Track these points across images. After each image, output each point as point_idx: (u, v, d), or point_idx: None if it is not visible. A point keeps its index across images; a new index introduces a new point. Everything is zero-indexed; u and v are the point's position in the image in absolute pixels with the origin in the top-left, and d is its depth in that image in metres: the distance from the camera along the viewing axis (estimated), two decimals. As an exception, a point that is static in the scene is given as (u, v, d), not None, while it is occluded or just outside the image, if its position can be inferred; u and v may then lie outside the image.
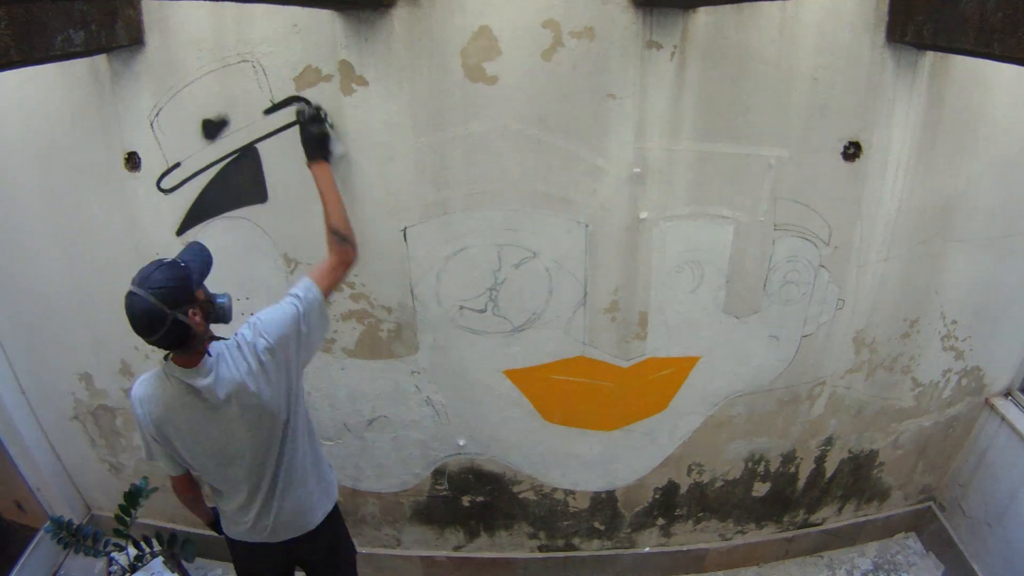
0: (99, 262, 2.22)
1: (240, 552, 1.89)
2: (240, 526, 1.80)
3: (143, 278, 1.43)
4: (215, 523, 1.93)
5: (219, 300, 1.58)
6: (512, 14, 1.71)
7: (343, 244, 1.71)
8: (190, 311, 1.45)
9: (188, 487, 1.80)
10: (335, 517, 1.94)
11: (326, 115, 1.81)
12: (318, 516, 1.85)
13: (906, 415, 2.62)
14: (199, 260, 1.57)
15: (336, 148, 1.83)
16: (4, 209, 2.21)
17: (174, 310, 1.41)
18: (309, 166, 1.77)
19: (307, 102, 1.81)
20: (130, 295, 1.43)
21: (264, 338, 1.57)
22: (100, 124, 1.97)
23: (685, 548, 2.83)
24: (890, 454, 2.72)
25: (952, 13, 1.48)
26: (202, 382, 1.52)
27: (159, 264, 1.45)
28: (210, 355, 1.54)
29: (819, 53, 1.80)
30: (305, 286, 1.65)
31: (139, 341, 2.34)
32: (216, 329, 1.61)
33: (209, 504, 1.92)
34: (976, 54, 1.41)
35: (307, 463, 1.77)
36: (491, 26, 1.72)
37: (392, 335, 2.20)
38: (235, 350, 1.57)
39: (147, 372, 1.61)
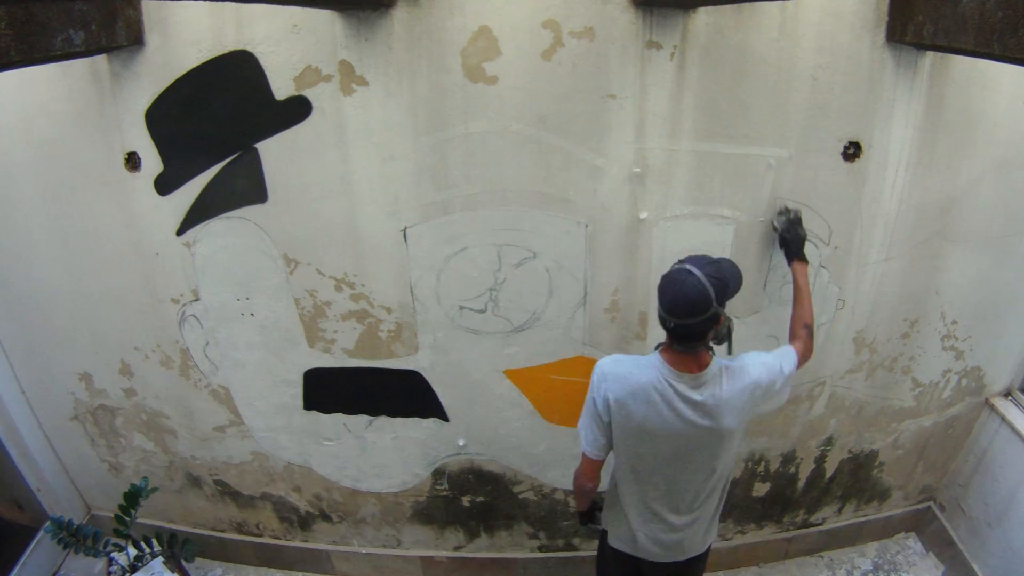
0: (99, 262, 2.23)
1: (618, 559, 1.93)
2: (633, 534, 1.83)
3: (698, 262, 1.50)
4: (585, 514, 1.97)
5: (730, 325, 1.62)
6: (512, 14, 1.71)
7: (810, 339, 1.77)
8: (721, 314, 1.51)
9: (595, 474, 1.81)
10: (704, 558, 1.95)
11: (801, 218, 1.95)
12: (698, 548, 1.87)
13: (906, 415, 2.62)
14: (736, 278, 1.60)
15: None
16: (4, 209, 2.21)
17: (717, 304, 1.48)
18: (791, 263, 1.90)
19: (787, 209, 1.95)
20: (684, 272, 1.49)
21: (760, 377, 1.60)
22: (100, 124, 1.97)
23: (685, 548, 2.83)
24: (890, 454, 2.72)
25: (952, 13, 1.47)
26: (696, 394, 1.56)
27: (709, 258, 1.53)
28: (714, 366, 1.57)
29: (819, 53, 1.80)
30: (792, 360, 1.69)
31: (138, 341, 2.38)
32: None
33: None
34: (976, 54, 1.41)
35: (717, 498, 1.80)
36: (491, 26, 1.72)
37: (392, 335, 2.20)
38: (734, 373, 1.59)
39: (623, 355, 1.67)
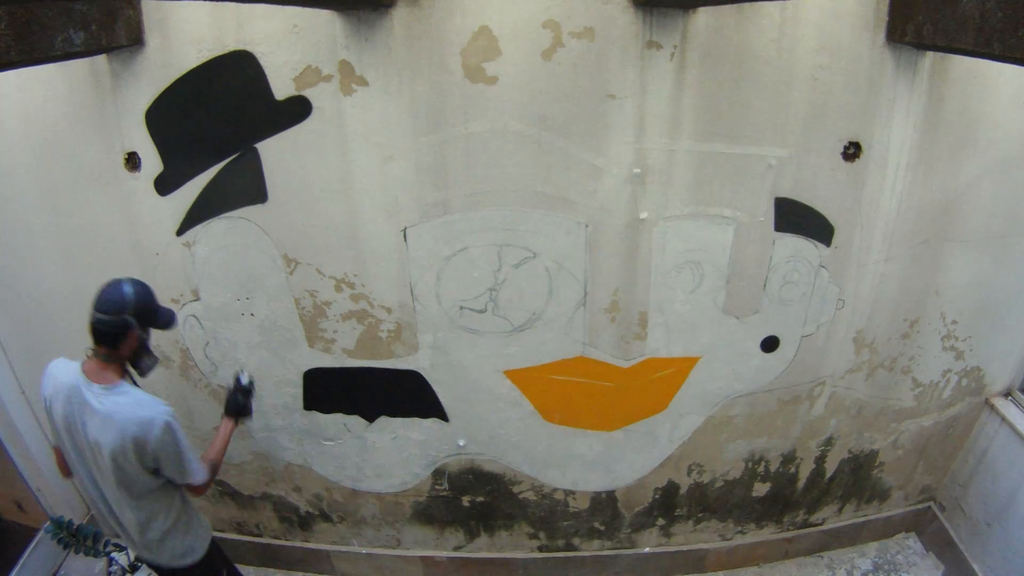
0: (99, 262, 2.22)
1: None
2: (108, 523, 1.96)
3: (132, 280, 1.73)
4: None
5: (147, 360, 1.82)
6: (512, 14, 1.71)
7: (211, 473, 1.91)
8: (135, 330, 1.70)
9: (61, 458, 1.90)
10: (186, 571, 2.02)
11: (251, 391, 2.12)
12: (153, 555, 1.95)
13: (906, 415, 2.62)
14: (170, 317, 1.84)
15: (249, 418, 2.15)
16: (4, 209, 2.20)
17: (131, 315, 1.68)
18: (223, 416, 2.07)
19: (239, 376, 2.11)
20: (116, 280, 1.71)
21: (146, 444, 1.70)
22: (100, 124, 1.97)
23: (685, 548, 2.83)
24: (890, 454, 2.72)
25: (952, 13, 1.48)
26: (96, 403, 1.68)
27: (149, 288, 1.76)
28: (119, 388, 1.71)
29: (819, 53, 1.80)
30: (201, 472, 1.85)
31: (139, 341, 2.36)
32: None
33: None
34: (976, 54, 1.41)
35: (132, 515, 1.86)
36: (491, 26, 1.72)
37: (392, 335, 2.20)
38: (139, 402, 1.72)
39: (67, 359, 1.78)
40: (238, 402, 2.08)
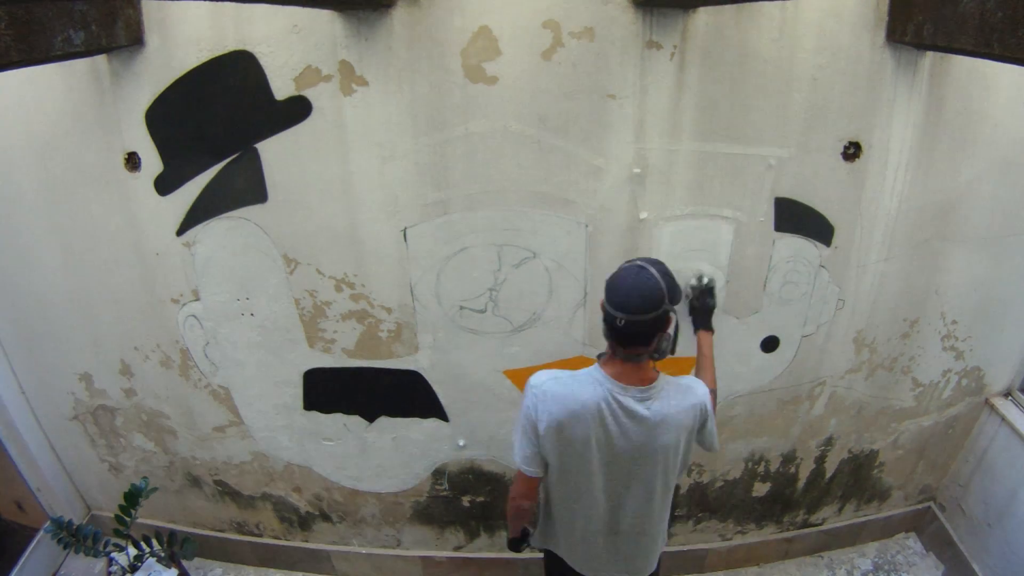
0: (99, 262, 2.23)
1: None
2: (577, 552, 1.78)
3: (650, 261, 1.46)
4: (517, 539, 1.90)
5: (673, 340, 1.60)
6: (512, 14, 1.71)
7: (714, 403, 1.70)
8: (671, 314, 1.46)
9: (534, 493, 1.71)
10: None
11: (714, 288, 1.96)
12: (647, 567, 1.81)
13: (906, 415, 2.62)
14: (680, 287, 1.54)
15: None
16: (4, 209, 2.21)
17: (669, 303, 1.43)
18: (696, 331, 1.92)
19: (702, 276, 1.95)
20: (637, 268, 1.45)
21: (704, 398, 1.58)
22: (100, 124, 1.97)
23: (685, 548, 2.83)
24: (890, 454, 2.72)
25: (952, 13, 1.47)
26: (642, 408, 1.49)
27: (663, 264, 1.48)
28: (662, 382, 1.52)
29: (819, 53, 1.80)
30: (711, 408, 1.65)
31: (138, 341, 2.37)
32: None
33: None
34: (976, 54, 1.41)
35: (658, 516, 1.72)
36: (491, 26, 1.72)
37: (392, 335, 2.20)
38: (682, 389, 1.55)
39: (559, 371, 1.57)
40: (708, 305, 1.89)
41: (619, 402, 1.49)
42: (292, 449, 2.53)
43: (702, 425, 1.62)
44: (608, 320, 1.47)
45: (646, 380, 1.51)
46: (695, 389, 1.57)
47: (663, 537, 1.81)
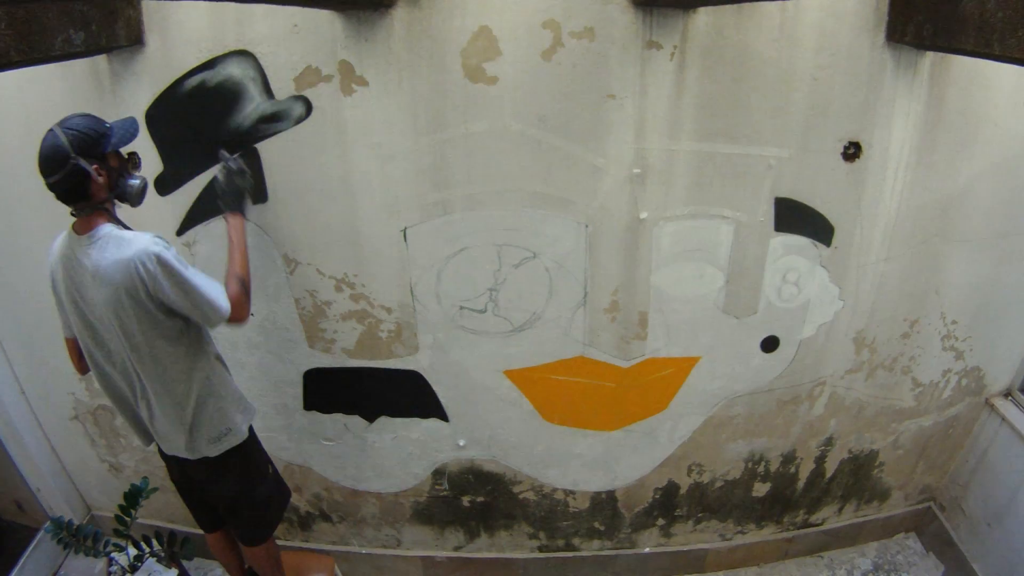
0: (99, 262, 2.22)
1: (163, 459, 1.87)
2: (132, 423, 1.77)
3: (64, 119, 1.47)
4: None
5: (131, 179, 1.58)
6: (512, 14, 1.71)
7: (243, 293, 1.69)
8: (95, 165, 1.47)
9: (75, 351, 1.73)
10: (225, 464, 1.79)
11: (247, 171, 1.88)
12: (183, 449, 1.73)
13: (906, 415, 2.62)
14: (124, 128, 1.57)
15: (249, 205, 1.92)
16: (4, 209, 2.20)
17: (78, 156, 1.44)
18: (225, 216, 1.85)
19: (229, 155, 1.86)
20: (48, 130, 1.45)
21: (141, 287, 1.49)
22: (100, 124, 1.97)
23: (685, 548, 2.83)
24: (890, 454, 2.72)
25: (952, 13, 1.48)
26: (84, 257, 1.50)
27: (87, 114, 1.49)
28: (99, 233, 1.51)
29: (819, 53, 1.80)
30: (223, 297, 1.61)
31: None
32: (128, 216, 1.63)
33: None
34: (976, 54, 1.41)
35: (165, 399, 1.66)
36: (491, 26, 1.72)
37: (392, 335, 2.20)
38: (120, 242, 1.50)
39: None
40: (237, 187, 1.82)
41: (74, 252, 1.52)
42: (292, 449, 2.53)
43: (156, 291, 1.50)
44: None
45: (87, 229, 1.52)
46: (133, 244, 1.49)
47: (198, 435, 1.70)
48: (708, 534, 2.83)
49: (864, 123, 1.91)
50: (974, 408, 2.69)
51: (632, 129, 1.86)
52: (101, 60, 1.87)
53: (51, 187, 1.46)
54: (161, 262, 1.48)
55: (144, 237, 1.51)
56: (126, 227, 1.59)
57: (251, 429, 1.86)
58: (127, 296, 1.49)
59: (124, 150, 1.99)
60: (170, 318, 1.57)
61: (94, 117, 1.51)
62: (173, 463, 1.86)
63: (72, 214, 1.54)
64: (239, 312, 1.66)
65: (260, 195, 2.00)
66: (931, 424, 2.68)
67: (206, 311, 1.58)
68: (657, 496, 2.64)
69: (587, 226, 2.00)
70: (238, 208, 1.85)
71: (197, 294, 1.55)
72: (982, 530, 2.67)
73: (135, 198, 1.60)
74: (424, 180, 1.93)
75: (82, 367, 1.76)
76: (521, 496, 2.61)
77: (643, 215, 1.99)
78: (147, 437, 1.81)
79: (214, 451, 1.76)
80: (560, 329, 2.17)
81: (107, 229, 1.53)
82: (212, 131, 1.93)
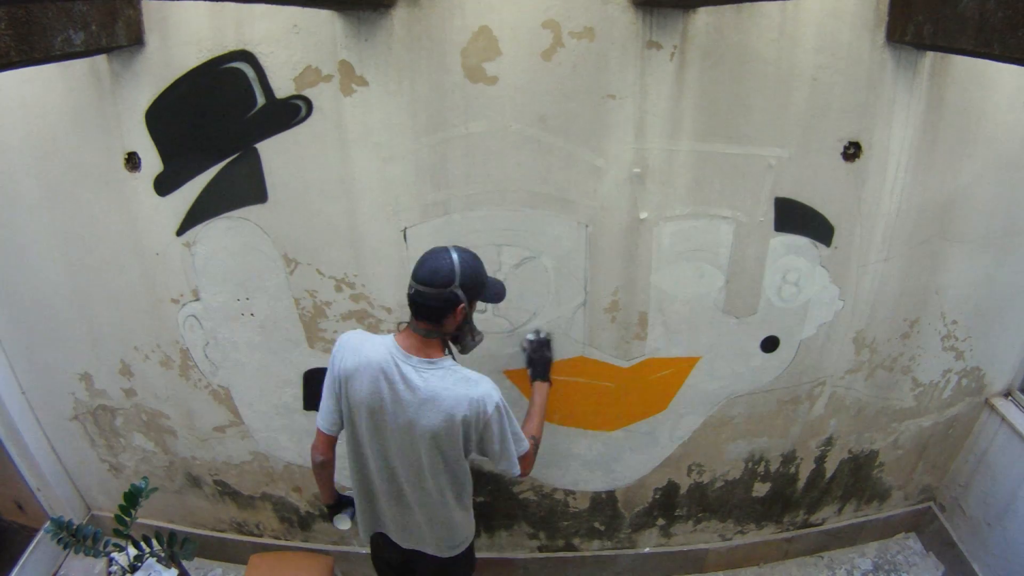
0: (99, 262, 2.22)
1: (373, 541, 1.96)
2: (365, 511, 1.86)
3: (459, 248, 1.57)
4: (333, 506, 1.96)
5: (472, 338, 1.69)
6: (512, 14, 1.71)
7: (534, 452, 1.78)
8: (462, 304, 1.54)
9: (326, 448, 1.80)
10: (456, 563, 1.92)
11: (550, 341, 2.07)
12: (433, 547, 1.86)
13: (906, 415, 2.62)
14: (498, 287, 1.71)
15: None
16: (4, 209, 2.21)
17: (459, 287, 1.52)
18: (532, 383, 1.99)
19: (538, 332, 2.09)
20: (442, 249, 1.56)
21: (487, 404, 1.60)
22: (100, 124, 1.97)
23: (685, 548, 2.83)
24: (890, 454, 2.72)
25: (952, 13, 1.48)
26: (416, 378, 1.56)
27: (477, 256, 1.61)
28: (441, 363, 1.59)
29: (819, 53, 1.80)
30: (520, 451, 1.71)
31: (138, 341, 2.37)
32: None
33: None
34: (976, 54, 1.41)
35: (436, 501, 1.77)
36: (491, 26, 1.72)
37: (392, 335, 2.20)
38: (463, 378, 1.60)
39: (364, 332, 1.68)
40: (545, 358, 2.00)
41: (399, 368, 1.57)
42: (292, 449, 2.53)
43: (482, 433, 1.63)
44: (408, 288, 1.57)
45: (430, 354, 1.59)
46: (480, 385, 1.59)
47: (453, 521, 1.82)
48: (708, 534, 2.83)
49: (864, 123, 1.91)
50: (974, 408, 2.69)
51: (632, 129, 1.86)
52: (101, 60, 1.87)
53: (417, 295, 1.54)
54: (499, 410, 1.61)
55: (488, 382, 1.62)
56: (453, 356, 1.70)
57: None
58: (462, 428, 1.59)
59: (124, 150, 2.01)
60: (470, 448, 1.69)
61: (480, 261, 1.62)
62: (395, 552, 1.92)
63: (404, 327, 1.62)
64: (526, 470, 1.75)
65: (260, 195, 2.00)
66: (931, 424, 2.68)
67: (505, 466, 1.70)
68: (657, 496, 2.64)
69: (587, 226, 2.00)
70: (545, 376, 2.00)
71: (509, 447, 1.68)
72: (982, 530, 2.67)
73: (468, 349, 1.72)
74: (424, 180, 1.93)
75: (327, 460, 1.82)
76: (521, 496, 2.61)
77: (643, 215, 1.99)
78: (373, 526, 1.90)
79: (454, 552, 1.89)
80: (560, 329, 2.17)
81: (450, 362, 1.63)
82: (212, 131, 1.93)
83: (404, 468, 1.69)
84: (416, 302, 1.55)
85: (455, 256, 1.54)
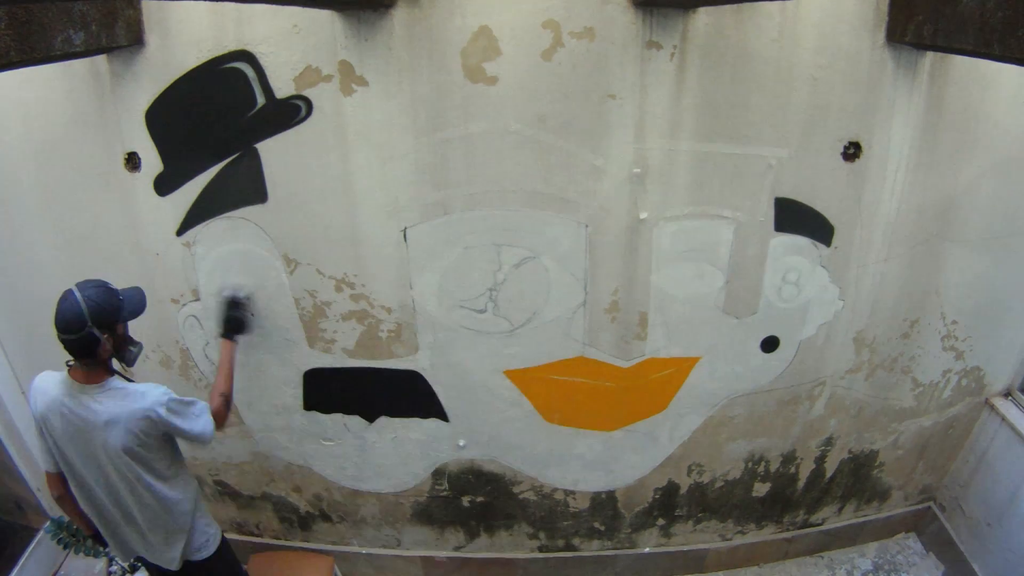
0: (99, 262, 2.22)
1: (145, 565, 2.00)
2: (116, 539, 1.93)
3: (84, 286, 1.64)
4: (97, 534, 2.00)
5: (132, 348, 1.79)
6: (512, 14, 1.71)
7: (224, 406, 1.91)
8: (105, 335, 1.64)
9: (58, 484, 1.89)
10: (208, 567, 2.02)
11: (248, 302, 2.12)
12: (174, 561, 1.94)
13: (906, 415, 2.62)
14: (135, 303, 1.77)
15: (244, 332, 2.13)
16: (4, 209, 2.20)
17: (93, 326, 1.61)
18: (220, 338, 2.06)
19: (234, 294, 2.11)
20: (68, 293, 1.63)
21: (155, 427, 1.74)
22: (100, 124, 1.97)
23: (685, 548, 2.83)
24: (890, 454, 2.72)
25: (952, 13, 1.48)
26: (91, 403, 1.67)
27: (104, 285, 1.67)
28: (109, 385, 1.71)
29: (819, 53, 1.80)
30: (206, 414, 1.84)
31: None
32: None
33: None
34: (976, 54, 1.41)
35: (158, 522, 1.87)
36: (491, 26, 1.72)
37: (392, 335, 2.20)
38: (129, 395, 1.71)
39: (50, 371, 1.76)
40: (233, 318, 2.07)
41: (76, 399, 1.68)
42: (292, 449, 2.53)
43: (165, 429, 1.75)
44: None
45: (93, 380, 1.69)
46: (147, 396, 1.71)
47: (177, 527, 1.90)
48: (708, 534, 2.83)
49: (864, 123, 1.91)
50: (974, 408, 2.69)
51: (632, 129, 1.86)
52: (101, 60, 1.87)
53: (63, 342, 1.62)
54: (168, 407, 1.73)
55: (154, 391, 1.73)
56: (127, 379, 1.80)
57: (222, 535, 2.09)
58: (142, 436, 1.72)
59: (124, 150, 2.00)
60: (165, 448, 1.82)
61: (109, 288, 1.68)
62: (155, 571, 2.00)
63: (71, 364, 1.70)
64: (220, 423, 1.89)
65: (260, 195, 2.00)
66: (931, 424, 2.68)
67: (199, 431, 1.81)
68: (657, 496, 2.64)
69: (587, 226, 2.00)
70: (231, 336, 2.06)
71: (193, 422, 1.79)
72: (982, 530, 2.67)
73: (132, 362, 1.80)
74: (424, 180, 1.93)
75: (63, 496, 1.91)
76: (521, 496, 2.61)
77: (643, 215, 1.99)
78: (127, 552, 1.95)
79: (201, 555, 2.00)
80: (560, 329, 2.17)
81: (116, 382, 1.73)
82: (212, 131, 1.93)
83: (123, 487, 1.78)
84: (67, 348, 1.63)
85: (78, 297, 1.61)
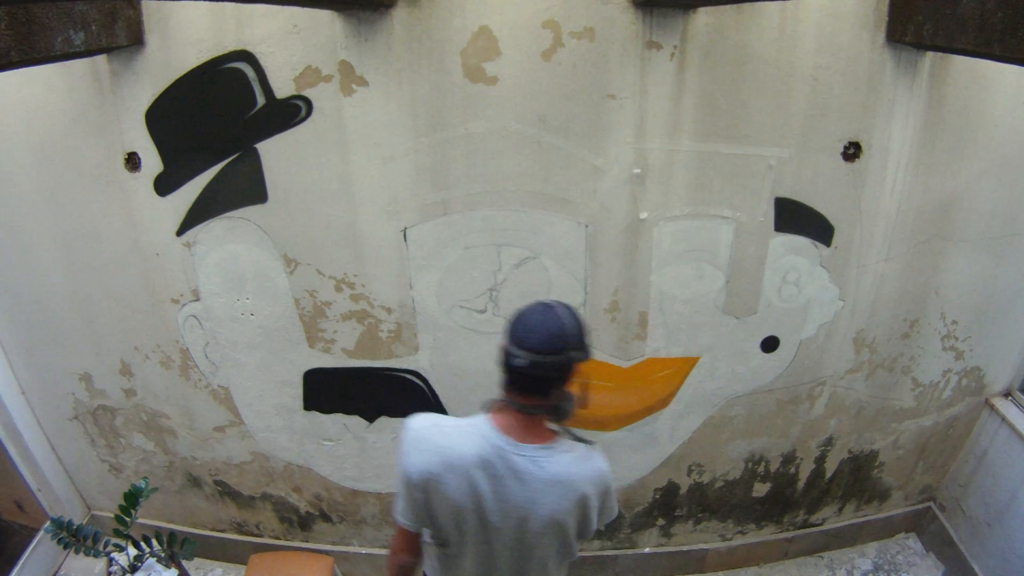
0: (99, 262, 2.22)
1: None
2: None
3: (560, 304, 1.29)
4: None
5: (570, 401, 1.36)
6: (512, 15, 1.71)
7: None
8: (578, 364, 1.27)
9: (413, 547, 1.46)
10: None
11: None
12: None
13: (906, 415, 2.62)
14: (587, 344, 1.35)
15: None
16: (4, 209, 2.21)
17: (576, 350, 1.25)
18: None
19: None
20: (545, 306, 1.28)
21: (593, 500, 1.36)
22: (100, 124, 1.97)
23: (685, 548, 2.83)
24: (890, 454, 2.72)
25: (952, 13, 1.48)
26: (533, 467, 1.27)
27: (573, 309, 1.31)
28: (561, 445, 1.32)
29: (819, 53, 1.80)
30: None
31: (138, 341, 2.37)
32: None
33: None
34: (976, 54, 1.41)
35: None
36: (491, 27, 1.72)
37: (392, 335, 2.20)
38: (586, 454, 1.36)
39: (442, 418, 1.40)
40: None
41: (507, 461, 1.27)
42: (292, 449, 2.53)
43: (602, 502, 1.39)
44: (507, 361, 1.26)
45: (544, 438, 1.31)
46: (594, 456, 1.38)
47: None
48: (708, 534, 2.83)
49: (864, 123, 1.91)
50: (974, 408, 2.69)
51: (632, 129, 1.86)
52: (101, 60, 1.87)
53: (534, 366, 1.21)
54: (612, 482, 1.40)
55: (595, 449, 1.39)
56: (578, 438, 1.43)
57: None
58: (578, 508, 1.33)
59: (125, 151, 2.00)
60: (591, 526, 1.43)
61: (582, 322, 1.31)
62: None
63: (501, 407, 1.31)
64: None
65: (260, 195, 2.00)
66: (931, 424, 2.68)
67: (606, 519, 1.46)
68: (657, 496, 2.64)
69: (587, 226, 2.00)
70: None
71: (613, 504, 1.46)
72: (982, 530, 2.67)
73: (567, 414, 1.36)
74: (424, 180, 1.93)
75: (414, 559, 1.49)
76: (521, 496, 2.60)
77: (643, 215, 1.99)
78: None
79: None
80: (560, 329, 2.17)
81: (567, 442, 1.35)
82: (212, 131, 1.93)
83: (513, 569, 1.41)
84: (529, 375, 1.23)
85: (562, 313, 1.26)
